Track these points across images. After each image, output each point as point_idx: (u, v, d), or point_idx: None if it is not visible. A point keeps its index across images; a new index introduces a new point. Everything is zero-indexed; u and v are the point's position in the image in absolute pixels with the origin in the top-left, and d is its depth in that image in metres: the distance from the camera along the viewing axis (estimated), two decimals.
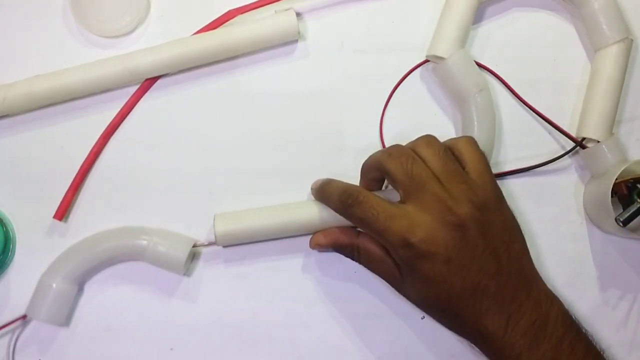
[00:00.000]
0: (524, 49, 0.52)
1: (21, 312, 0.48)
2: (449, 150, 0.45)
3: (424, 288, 0.43)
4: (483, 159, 0.45)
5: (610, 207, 0.47)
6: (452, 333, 0.45)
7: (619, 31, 0.49)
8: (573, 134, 0.51)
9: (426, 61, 0.51)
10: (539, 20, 0.53)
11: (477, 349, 0.44)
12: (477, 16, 0.51)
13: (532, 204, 0.51)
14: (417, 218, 0.42)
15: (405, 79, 0.52)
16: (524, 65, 0.52)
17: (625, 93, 0.52)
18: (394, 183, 0.44)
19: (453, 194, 0.42)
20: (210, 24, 0.50)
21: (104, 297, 0.49)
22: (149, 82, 0.51)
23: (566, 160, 0.52)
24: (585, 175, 0.52)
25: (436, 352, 0.50)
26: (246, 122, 0.51)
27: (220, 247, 0.50)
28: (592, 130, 0.49)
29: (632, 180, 0.48)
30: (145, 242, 0.47)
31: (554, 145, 0.52)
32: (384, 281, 0.47)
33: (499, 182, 0.50)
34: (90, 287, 0.49)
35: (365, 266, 0.47)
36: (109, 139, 0.51)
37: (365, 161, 0.46)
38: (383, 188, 0.48)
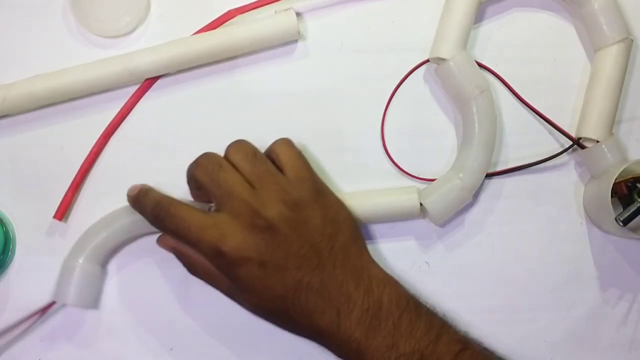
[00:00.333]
0: (524, 49, 0.52)
1: (21, 313, 0.48)
2: (263, 153, 0.45)
3: (248, 295, 0.43)
4: (298, 157, 0.46)
5: (610, 207, 0.47)
6: None
7: (619, 31, 0.49)
8: (573, 134, 0.51)
9: (426, 61, 0.51)
10: (539, 21, 0.53)
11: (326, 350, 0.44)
12: (478, 16, 0.51)
13: (532, 203, 0.51)
14: (227, 226, 0.42)
15: (407, 79, 0.52)
16: (524, 65, 0.52)
17: (625, 93, 0.52)
18: (206, 192, 0.44)
19: (262, 197, 0.42)
20: (210, 24, 0.50)
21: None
22: (149, 82, 0.51)
23: (565, 160, 0.52)
24: (585, 174, 0.52)
25: None
26: (246, 122, 0.51)
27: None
28: (591, 130, 0.49)
29: (632, 180, 0.48)
30: None
31: (554, 144, 0.52)
32: None
33: (497, 180, 0.51)
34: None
35: (203, 280, 0.46)
36: (109, 138, 0.51)
37: (186, 171, 0.46)
38: None
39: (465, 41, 0.50)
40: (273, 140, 0.47)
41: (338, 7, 0.52)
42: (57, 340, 0.49)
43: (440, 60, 0.49)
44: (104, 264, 0.49)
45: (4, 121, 0.50)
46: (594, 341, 0.50)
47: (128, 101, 0.51)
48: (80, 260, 0.46)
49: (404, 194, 0.49)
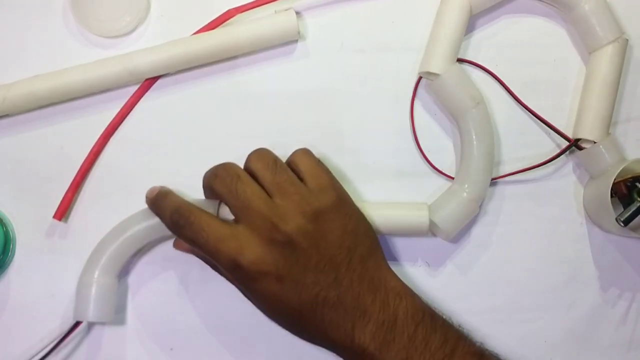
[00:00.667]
0: (517, 53, 0.52)
1: (21, 312, 0.48)
2: (284, 163, 0.45)
3: (264, 307, 0.43)
4: (318, 165, 0.45)
5: (611, 207, 0.47)
6: None
7: (611, 31, 0.49)
8: (570, 135, 0.51)
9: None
10: (531, 26, 0.52)
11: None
12: (469, 27, 0.51)
13: (532, 204, 0.51)
14: (245, 239, 0.41)
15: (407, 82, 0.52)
16: (518, 69, 0.52)
17: (621, 94, 0.52)
18: (224, 203, 0.43)
19: (281, 209, 0.42)
20: (209, 23, 0.50)
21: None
22: (149, 82, 0.51)
23: (565, 161, 0.52)
24: (584, 175, 0.51)
25: None
26: (246, 122, 0.51)
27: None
28: (588, 131, 0.49)
29: (631, 179, 0.48)
30: None
31: (551, 145, 0.52)
32: None
33: (497, 185, 0.51)
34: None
35: (225, 278, 0.46)
36: (109, 138, 0.51)
37: (203, 178, 0.45)
38: None
39: (456, 55, 0.50)
40: (273, 142, 0.47)
41: (338, 7, 0.52)
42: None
43: (432, 75, 0.49)
44: (120, 275, 0.48)
45: (4, 121, 0.50)
46: (593, 341, 0.50)
47: (128, 101, 0.51)
48: (96, 275, 0.46)
49: (415, 210, 0.48)
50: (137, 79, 0.50)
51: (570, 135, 0.51)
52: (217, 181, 0.43)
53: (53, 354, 0.47)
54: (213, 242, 0.41)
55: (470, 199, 0.48)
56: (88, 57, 0.50)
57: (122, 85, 0.51)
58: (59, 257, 0.50)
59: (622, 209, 0.47)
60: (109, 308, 0.46)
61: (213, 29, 0.50)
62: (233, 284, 0.45)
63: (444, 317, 0.44)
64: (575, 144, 0.50)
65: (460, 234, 0.50)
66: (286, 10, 0.50)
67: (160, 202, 0.45)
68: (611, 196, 0.47)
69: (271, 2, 0.50)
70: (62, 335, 0.46)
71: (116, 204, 0.50)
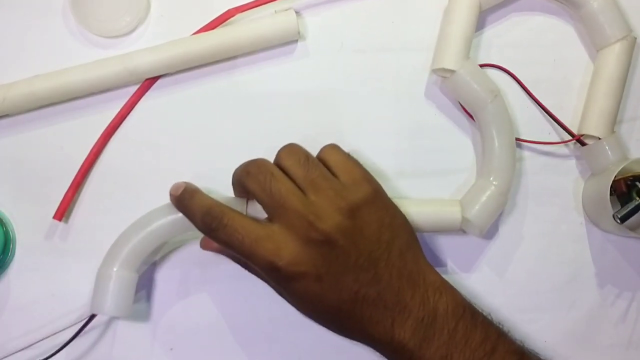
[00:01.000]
0: (525, 51, 0.52)
1: (21, 312, 0.48)
2: (315, 158, 0.44)
3: (301, 307, 0.43)
4: (349, 159, 0.44)
5: (609, 203, 0.47)
6: None
7: (619, 29, 0.49)
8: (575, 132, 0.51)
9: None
10: (539, 23, 0.53)
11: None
12: (479, 24, 0.51)
13: (532, 204, 0.51)
14: (282, 239, 0.40)
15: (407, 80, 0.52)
16: (525, 66, 0.52)
17: (627, 94, 0.52)
18: (257, 201, 0.42)
19: (317, 207, 0.41)
20: (209, 23, 0.50)
21: None
22: (149, 82, 0.51)
23: (566, 161, 0.52)
24: (585, 175, 0.52)
25: None
26: (246, 122, 0.51)
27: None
28: (593, 127, 0.49)
29: (631, 178, 0.48)
30: None
31: (556, 139, 0.52)
32: None
33: None
34: None
35: (258, 276, 0.46)
36: (109, 138, 0.51)
37: (232, 176, 0.44)
38: None
39: (469, 50, 0.50)
40: (274, 142, 0.47)
41: (338, 7, 0.52)
42: None
43: (446, 72, 0.49)
44: (139, 270, 0.47)
45: (4, 121, 0.50)
46: (593, 341, 0.50)
47: (128, 101, 0.51)
48: (115, 269, 0.45)
49: (448, 206, 0.48)
50: (137, 79, 0.50)
51: (575, 132, 0.51)
52: (249, 179, 0.42)
53: (67, 348, 0.46)
54: (248, 244, 0.40)
55: (500, 192, 0.48)
56: (88, 57, 0.50)
57: (122, 85, 0.51)
58: (59, 257, 0.50)
59: (620, 207, 0.47)
60: (126, 303, 0.45)
61: (213, 28, 0.50)
62: (268, 283, 0.45)
63: (484, 313, 0.43)
64: (578, 140, 0.50)
65: (460, 235, 0.50)
66: (286, 10, 0.50)
67: (188, 202, 0.43)
68: (610, 194, 0.47)
69: (271, 1, 0.50)
70: (78, 328, 0.46)
71: (116, 204, 0.50)
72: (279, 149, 0.44)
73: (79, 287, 0.49)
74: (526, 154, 0.51)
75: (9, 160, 0.50)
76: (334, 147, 0.45)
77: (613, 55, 0.50)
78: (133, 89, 0.51)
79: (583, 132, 0.50)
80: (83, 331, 0.47)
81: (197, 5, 0.51)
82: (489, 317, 0.43)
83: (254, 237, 0.40)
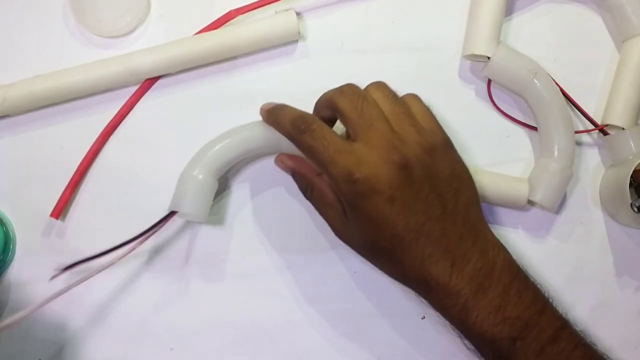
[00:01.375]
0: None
1: (21, 313, 0.48)
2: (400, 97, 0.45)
3: (367, 228, 0.43)
4: (430, 111, 0.46)
5: (628, 193, 0.47)
6: (451, 335, 0.45)
7: None
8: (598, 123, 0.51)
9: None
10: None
11: (425, 302, 0.44)
12: (507, 10, 0.51)
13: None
14: (363, 155, 0.41)
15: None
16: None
17: None
18: (344, 120, 0.43)
19: (401, 135, 0.42)
20: (210, 24, 0.50)
21: None
22: (149, 82, 0.51)
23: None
24: (586, 176, 0.52)
25: (436, 352, 0.50)
26: (246, 122, 0.51)
27: (219, 248, 0.50)
28: (617, 118, 0.50)
29: None
30: None
31: (579, 128, 0.52)
32: (382, 281, 0.47)
33: None
34: None
35: (315, 205, 0.47)
36: (108, 138, 0.51)
37: (318, 99, 0.46)
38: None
39: (499, 34, 0.50)
40: None
41: (338, 7, 0.52)
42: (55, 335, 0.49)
43: (480, 57, 0.50)
44: (220, 178, 0.48)
45: (4, 121, 0.50)
46: (594, 341, 0.50)
47: (128, 101, 0.51)
48: (196, 172, 0.46)
49: (516, 182, 0.49)
50: (137, 79, 0.50)
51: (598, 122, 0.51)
52: (342, 97, 0.43)
53: (141, 239, 0.47)
54: (332, 151, 0.42)
55: (562, 167, 0.49)
56: (88, 57, 0.50)
57: (122, 86, 0.51)
58: (57, 256, 0.49)
59: (638, 198, 0.47)
60: (204, 206, 0.47)
61: (214, 29, 0.50)
62: (340, 201, 0.45)
63: (534, 279, 0.44)
64: (601, 130, 0.50)
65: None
66: (286, 10, 0.50)
67: (279, 111, 0.45)
68: (630, 185, 0.47)
69: (271, 2, 0.50)
70: (157, 221, 0.46)
71: (115, 204, 0.50)
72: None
73: (78, 286, 0.49)
74: None
75: (9, 160, 0.50)
76: (415, 96, 0.46)
77: (639, 46, 0.50)
78: (133, 89, 0.51)
79: (607, 122, 0.50)
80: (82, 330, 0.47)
81: (198, 5, 0.51)
82: (539, 284, 0.44)
83: (338, 147, 0.42)
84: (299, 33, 0.50)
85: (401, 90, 0.51)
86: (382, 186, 0.41)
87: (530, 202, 0.50)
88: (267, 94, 0.51)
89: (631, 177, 0.47)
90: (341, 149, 0.42)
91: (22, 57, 0.51)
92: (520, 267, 0.44)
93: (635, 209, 0.47)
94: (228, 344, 0.50)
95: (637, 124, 0.50)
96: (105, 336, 0.49)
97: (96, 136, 0.50)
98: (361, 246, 0.45)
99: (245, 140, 0.47)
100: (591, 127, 0.51)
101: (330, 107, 0.44)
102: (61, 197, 0.49)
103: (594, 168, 0.52)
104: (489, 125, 0.52)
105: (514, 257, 0.44)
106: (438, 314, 0.44)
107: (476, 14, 0.50)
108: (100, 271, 0.46)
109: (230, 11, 0.50)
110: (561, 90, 0.50)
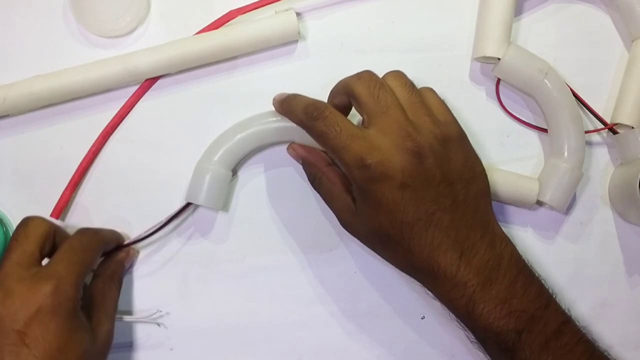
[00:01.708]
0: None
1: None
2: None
3: (377, 215, 0.43)
4: (445, 104, 0.46)
5: (637, 192, 0.47)
6: (453, 331, 0.45)
7: None
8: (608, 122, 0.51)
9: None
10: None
11: (428, 297, 0.44)
12: (517, 10, 0.52)
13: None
14: (377, 141, 0.41)
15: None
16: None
17: None
18: (359, 106, 0.43)
19: (415, 123, 0.42)
20: (210, 24, 0.50)
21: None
22: (148, 82, 0.51)
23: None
24: (586, 177, 0.52)
25: (436, 352, 0.50)
26: None
27: (219, 248, 0.50)
28: (626, 117, 0.50)
29: None
30: None
31: (588, 127, 0.52)
32: (382, 281, 0.47)
33: None
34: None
35: (322, 195, 0.47)
36: (108, 138, 0.51)
37: (335, 85, 0.46)
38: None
39: (509, 35, 0.50)
40: None
41: (338, 7, 0.52)
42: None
43: (490, 58, 0.50)
44: (234, 169, 0.49)
45: (4, 121, 0.50)
46: (596, 339, 0.50)
47: (128, 101, 0.51)
48: (211, 164, 0.47)
49: (527, 181, 0.50)
50: (137, 79, 0.50)
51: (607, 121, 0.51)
52: (360, 82, 0.43)
53: (161, 231, 0.49)
54: (345, 137, 0.42)
55: (572, 167, 0.49)
56: (88, 57, 0.50)
57: (122, 86, 0.51)
58: None
59: None
60: (219, 196, 0.48)
61: (214, 30, 0.50)
62: (350, 191, 0.45)
63: (539, 274, 0.45)
64: (611, 129, 0.51)
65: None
66: (286, 10, 0.50)
67: (292, 101, 0.45)
68: (639, 184, 0.47)
69: (271, 2, 0.50)
70: (173, 213, 0.48)
71: (115, 204, 0.50)
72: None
73: None
74: None
75: (9, 160, 0.50)
76: (431, 90, 0.47)
77: None
78: (133, 89, 0.51)
79: (616, 121, 0.50)
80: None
81: (198, 5, 0.51)
82: (543, 279, 0.45)
83: (351, 133, 0.42)
84: (299, 33, 0.50)
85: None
86: (394, 172, 0.41)
87: (539, 202, 0.50)
88: (267, 94, 0.51)
89: None
90: (354, 135, 0.42)
91: (22, 57, 0.51)
92: (526, 261, 0.44)
93: None
94: (228, 344, 0.50)
95: None
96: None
97: (96, 136, 0.50)
98: (369, 235, 0.44)
99: (260, 132, 0.48)
100: (600, 126, 0.51)
101: (347, 92, 0.44)
102: (61, 197, 0.49)
103: (603, 167, 0.52)
104: (493, 124, 0.52)
105: (520, 252, 0.44)
106: (443, 305, 0.44)
107: (485, 17, 0.50)
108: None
109: (230, 11, 0.50)
110: (570, 89, 0.51)
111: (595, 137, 0.52)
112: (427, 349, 0.50)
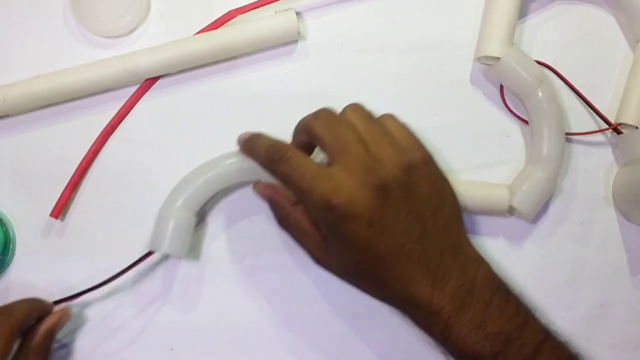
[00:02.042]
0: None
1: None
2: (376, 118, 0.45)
3: (347, 253, 0.43)
4: (405, 127, 0.46)
5: None
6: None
7: None
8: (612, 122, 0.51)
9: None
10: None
11: (407, 319, 0.44)
12: (521, 12, 0.51)
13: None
14: (341, 180, 0.41)
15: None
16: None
17: None
18: (321, 145, 0.43)
19: (377, 156, 0.42)
20: (210, 24, 0.50)
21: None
22: (148, 82, 0.51)
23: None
24: (587, 177, 0.52)
25: (435, 352, 0.50)
26: (246, 122, 0.51)
27: (220, 248, 0.50)
28: (631, 117, 0.50)
29: None
30: None
31: (593, 127, 0.52)
32: None
33: None
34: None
35: (291, 235, 0.47)
36: (107, 137, 0.51)
37: (297, 124, 0.46)
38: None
39: (512, 36, 0.50)
40: None
41: (338, 7, 0.52)
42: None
43: (491, 59, 0.50)
44: (199, 213, 0.48)
45: (4, 121, 0.50)
46: (594, 341, 0.50)
47: (127, 101, 0.51)
48: (175, 210, 0.46)
49: (496, 190, 0.49)
50: (137, 79, 0.50)
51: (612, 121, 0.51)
52: (318, 122, 0.44)
53: (119, 279, 0.47)
54: (308, 179, 0.41)
55: (547, 178, 0.48)
56: (88, 57, 0.50)
57: (122, 86, 0.51)
58: (57, 256, 0.50)
59: None
60: (183, 243, 0.47)
61: (213, 29, 0.50)
62: (319, 228, 0.45)
63: (515, 291, 0.44)
64: (615, 129, 0.51)
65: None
66: (286, 10, 0.50)
67: (255, 141, 0.45)
68: None
69: (271, 2, 0.50)
70: (134, 261, 0.47)
71: (115, 203, 0.50)
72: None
73: (78, 286, 0.49)
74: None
75: (9, 160, 0.50)
76: (392, 115, 0.46)
77: None
78: (133, 89, 0.51)
79: (620, 121, 0.50)
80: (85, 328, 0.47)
81: (198, 5, 0.51)
82: (521, 295, 0.44)
83: (314, 174, 0.42)
84: (299, 33, 0.50)
85: (400, 90, 0.52)
86: (361, 210, 0.41)
87: (511, 209, 0.49)
88: (267, 94, 0.51)
89: None
90: (318, 175, 0.41)
91: (22, 57, 0.51)
92: (502, 280, 0.44)
93: None
94: (228, 344, 0.50)
95: None
96: (105, 336, 0.49)
97: (96, 136, 0.50)
98: (342, 271, 0.45)
99: (223, 175, 0.47)
100: (605, 126, 0.51)
101: (307, 132, 0.44)
102: (61, 197, 0.49)
103: (607, 167, 0.52)
104: (493, 124, 0.52)
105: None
106: (423, 332, 0.43)
107: (489, 17, 0.50)
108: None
109: (230, 11, 0.50)
110: (574, 89, 0.51)
111: (599, 137, 0.52)
112: (426, 349, 0.50)
